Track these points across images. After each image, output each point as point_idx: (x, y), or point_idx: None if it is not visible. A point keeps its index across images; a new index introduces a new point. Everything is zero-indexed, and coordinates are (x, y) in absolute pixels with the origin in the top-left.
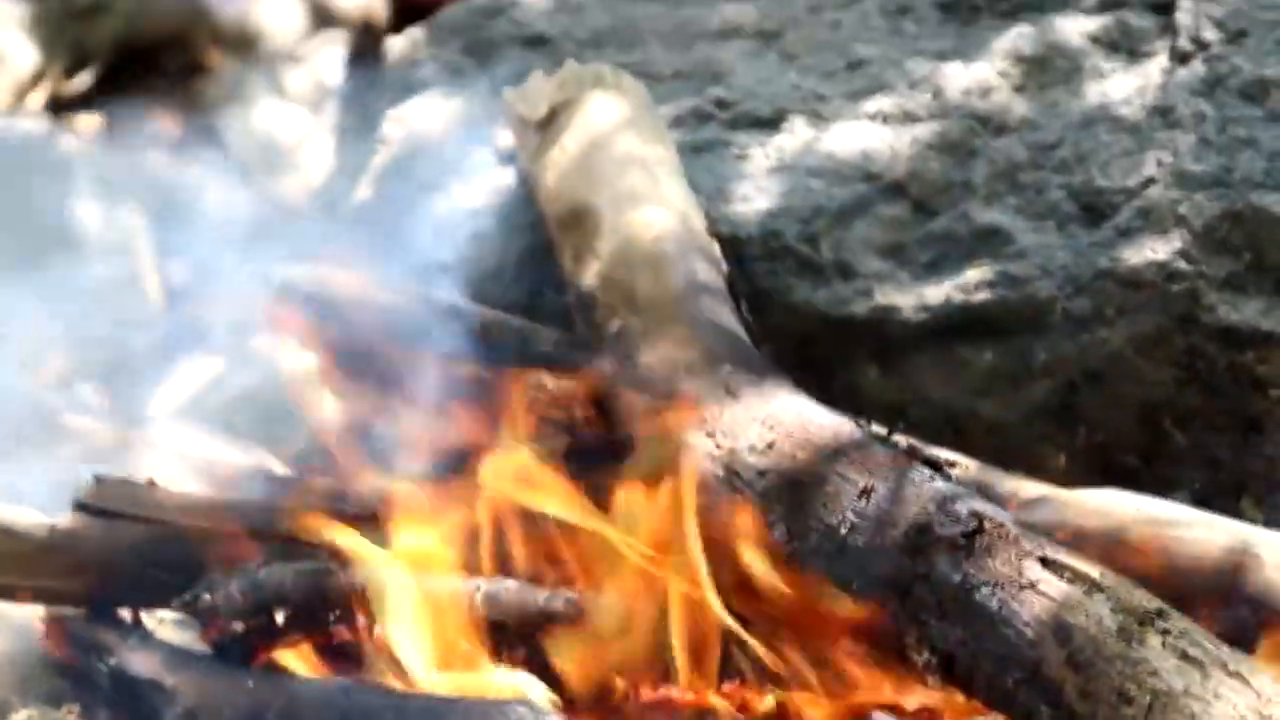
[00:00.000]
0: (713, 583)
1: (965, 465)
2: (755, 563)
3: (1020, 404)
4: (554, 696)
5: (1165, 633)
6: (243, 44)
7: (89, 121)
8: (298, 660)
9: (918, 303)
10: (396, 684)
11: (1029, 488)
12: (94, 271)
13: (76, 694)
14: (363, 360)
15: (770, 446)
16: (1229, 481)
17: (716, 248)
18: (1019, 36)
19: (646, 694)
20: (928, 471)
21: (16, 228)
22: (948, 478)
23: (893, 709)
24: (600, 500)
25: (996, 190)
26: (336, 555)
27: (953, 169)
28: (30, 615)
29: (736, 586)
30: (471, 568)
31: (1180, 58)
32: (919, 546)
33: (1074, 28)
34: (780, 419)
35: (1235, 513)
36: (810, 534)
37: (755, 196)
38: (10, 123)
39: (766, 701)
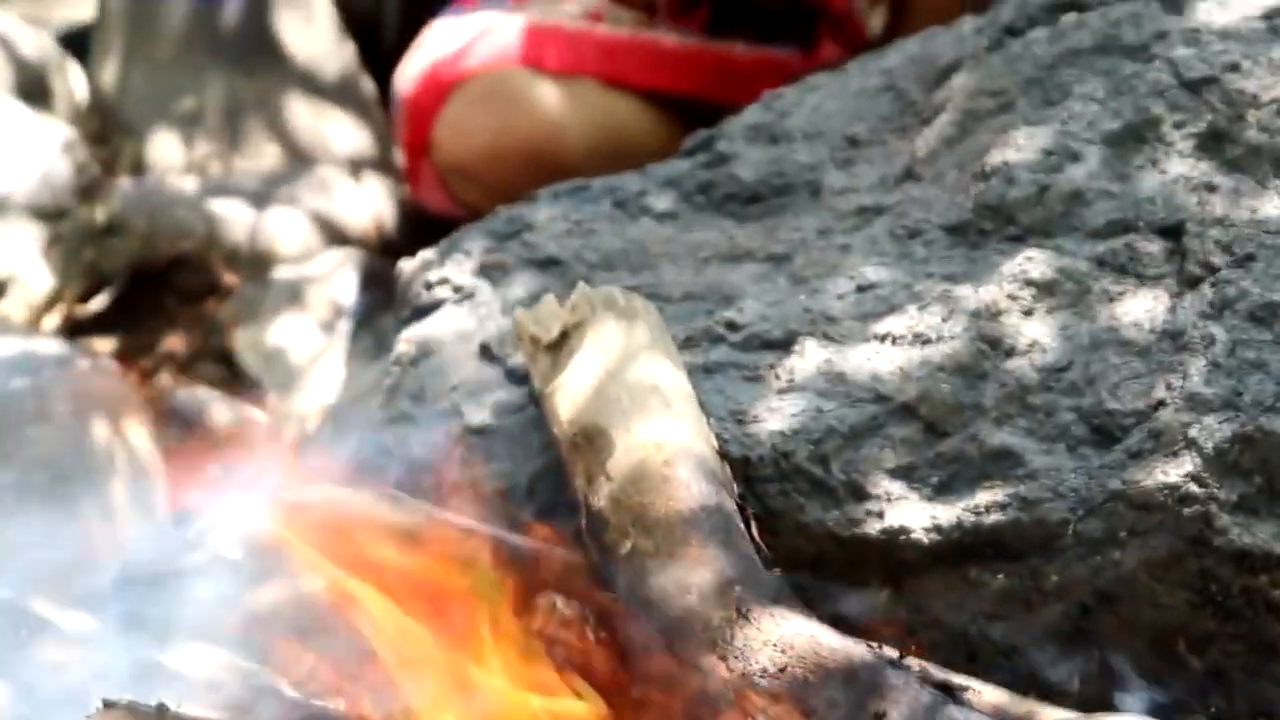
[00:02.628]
0: None
1: (978, 690)
2: None
3: (1033, 626)
4: None
5: None
6: (256, 264)
7: (104, 343)
8: None
9: (929, 524)
10: None
11: (1044, 713)
12: (105, 490)
13: None
14: (372, 578)
15: (783, 671)
16: (1245, 706)
17: (728, 469)
18: (1027, 260)
19: None
20: (941, 696)
21: (28, 449)
22: (961, 702)
23: None
24: None
25: (1007, 412)
26: None
27: (963, 391)
28: None
29: None
30: None
31: (1189, 281)
32: None
33: (1082, 251)
34: (793, 642)
35: None
36: None
37: (766, 418)
38: (27, 344)
39: None
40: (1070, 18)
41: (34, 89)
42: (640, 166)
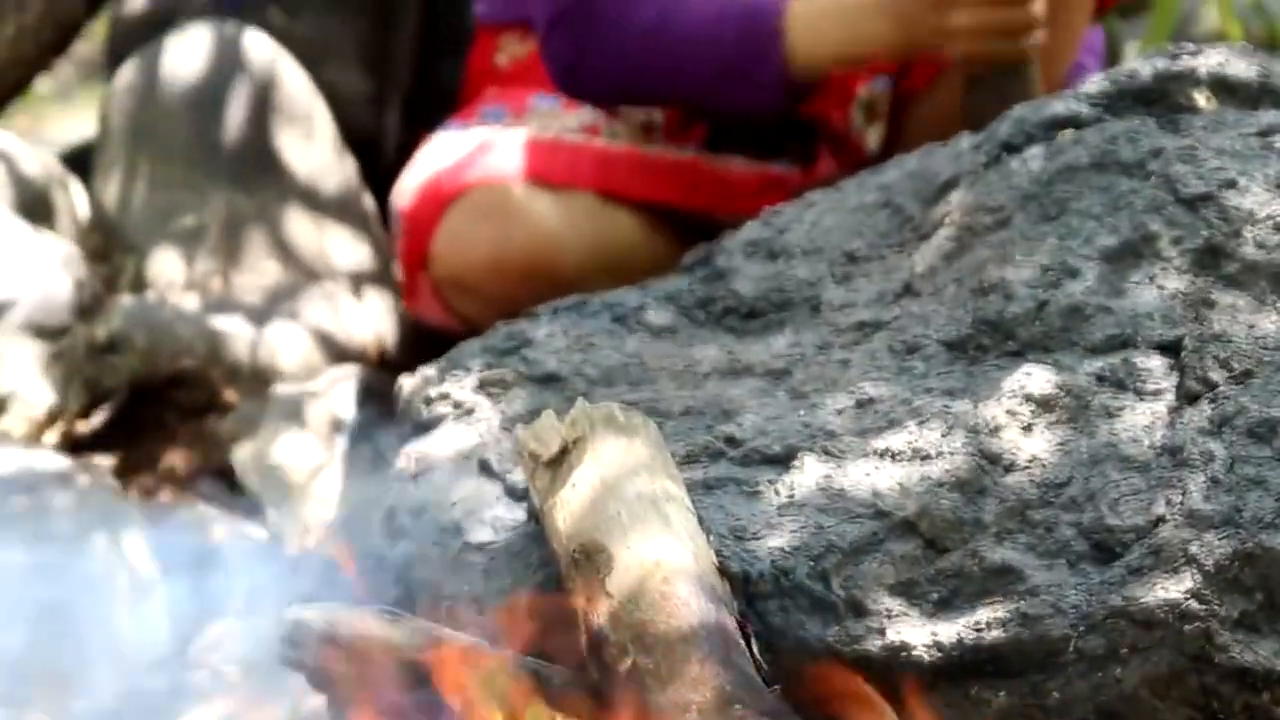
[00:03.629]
0: None
1: None
2: None
3: None
4: None
5: None
6: (256, 379)
7: (104, 460)
8: None
9: (930, 641)
10: None
11: None
12: (107, 612)
13: None
14: (376, 699)
15: None
16: None
17: (727, 586)
18: (1026, 376)
19: None
20: None
21: (28, 568)
22: None
23: None
24: None
25: (1007, 528)
26: None
27: (963, 507)
28: None
29: None
30: None
31: (1188, 397)
32: None
33: (1081, 367)
34: None
35: None
36: None
37: (766, 534)
38: (27, 460)
39: None
40: (1067, 134)
41: (36, 206)
42: (639, 280)
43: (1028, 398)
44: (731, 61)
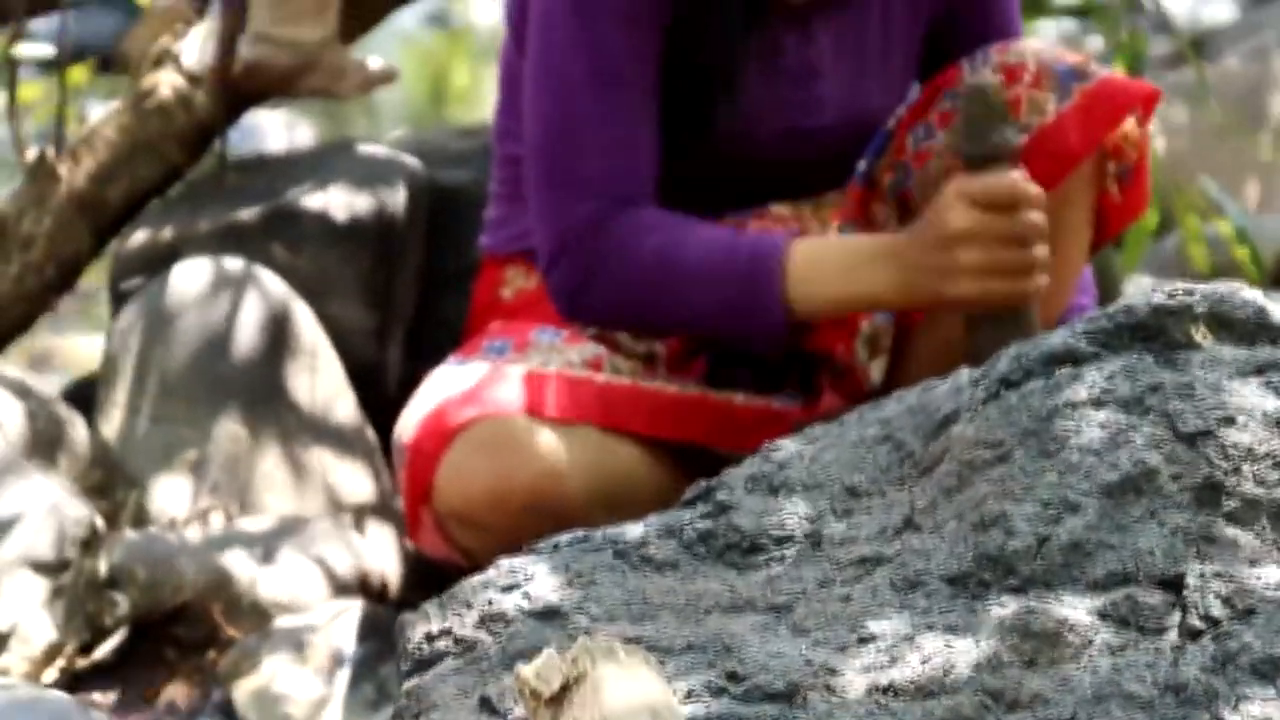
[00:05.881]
0: None
1: None
2: None
3: None
4: None
5: None
6: (257, 614)
7: (104, 696)
8: None
9: None
10: None
11: None
12: None
13: None
14: None
15: None
16: None
17: None
18: (1028, 612)
19: None
20: None
21: None
22: None
23: None
24: None
25: None
26: None
27: None
28: None
29: None
30: None
31: (1190, 634)
32: None
33: (1083, 604)
34: None
35: None
36: None
37: None
38: (26, 697)
39: None
40: (1066, 370)
41: (38, 441)
42: (641, 514)
43: (1030, 634)
44: (731, 300)
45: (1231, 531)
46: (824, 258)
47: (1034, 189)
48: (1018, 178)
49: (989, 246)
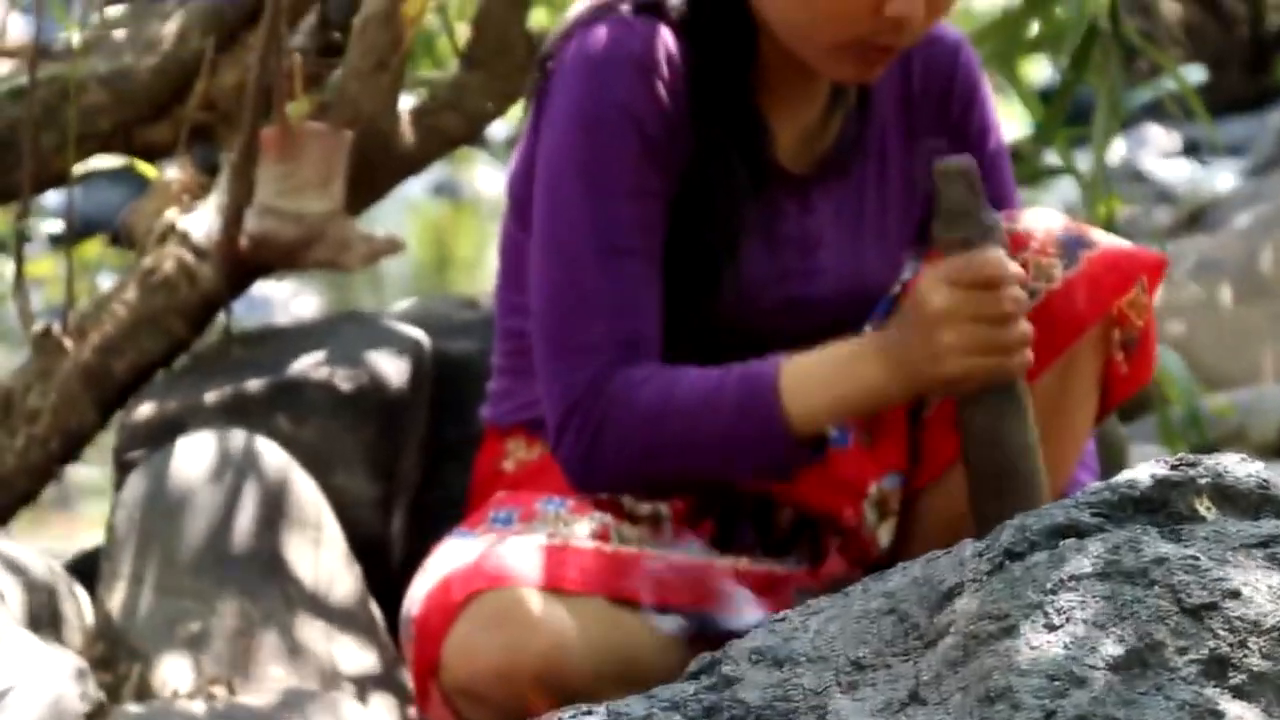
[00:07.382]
0: None
1: None
2: None
3: None
4: None
5: None
6: None
7: None
8: None
9: None
10: None
11: None
12: None
13: None
14: None
15: None
16: None
17: None
18: None
19: None
20: None
21: None
22: None
23: None
24: None
25: None
26: None
27: None
28: None
29: None
30: None
31: None
32: None
33: None
34: None
35: None
36: None
37: None
38: None
39: None
40: (1070, 542)
41: (41, 615)
42: (647, 686)
43: None
44: (732, 428)
45: (1239, 706)
46: (814, 367)
47: (1013, 266)
48: (996, 255)
49: (972, 325)
